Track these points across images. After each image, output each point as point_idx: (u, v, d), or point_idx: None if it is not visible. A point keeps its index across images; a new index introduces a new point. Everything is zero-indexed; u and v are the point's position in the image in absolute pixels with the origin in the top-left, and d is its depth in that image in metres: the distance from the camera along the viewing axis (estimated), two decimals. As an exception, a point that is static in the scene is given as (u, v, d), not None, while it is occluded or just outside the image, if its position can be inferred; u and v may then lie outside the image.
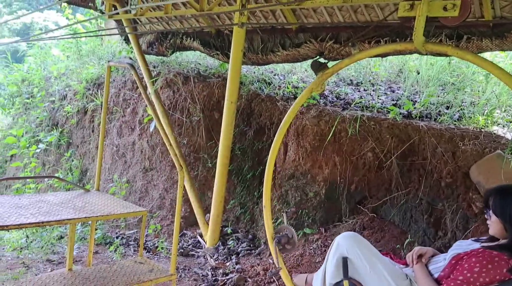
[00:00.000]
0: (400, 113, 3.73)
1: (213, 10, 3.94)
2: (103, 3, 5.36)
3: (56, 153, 5.98)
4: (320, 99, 4.39)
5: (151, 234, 4.57)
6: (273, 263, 3.68)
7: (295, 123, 4.08)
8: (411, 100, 4.12)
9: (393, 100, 4.22)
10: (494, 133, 3.20)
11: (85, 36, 6.65)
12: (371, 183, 3.67)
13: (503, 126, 3.36)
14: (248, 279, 3.51)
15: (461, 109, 3.77)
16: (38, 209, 2.75)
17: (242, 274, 3.57)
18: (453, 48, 2.13)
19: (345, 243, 2.24)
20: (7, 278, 3.35)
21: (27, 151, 6.19)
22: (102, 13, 5.39)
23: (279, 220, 3.98)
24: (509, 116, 3.49)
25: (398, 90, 4.52)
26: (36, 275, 3.42)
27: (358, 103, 4.15)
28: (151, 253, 4.22)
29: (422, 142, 3.38)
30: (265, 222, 2.85)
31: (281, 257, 2.75)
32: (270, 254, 3.93)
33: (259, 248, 4.05)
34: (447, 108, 3.87)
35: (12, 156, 6.53)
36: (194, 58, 5.84)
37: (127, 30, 5.19)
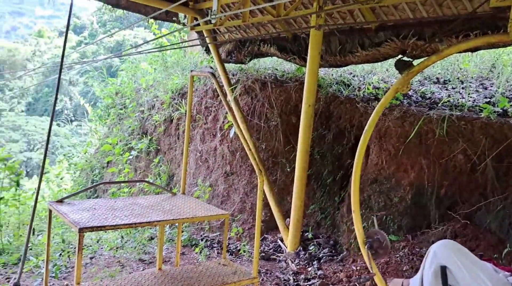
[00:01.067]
0: (495, 112, 3.42)
1: (290, 15, 3.96)
2: (185, 17, 5.65)
3: (146, 159, 6.41)
4: (404, 99, 4.19)
5: (233, 237, 4.69)
6: (357, 270, 3.57)
7: (377, 125, 3.93)
8: (507, 97, 3.76)
9: (485, 97, 3.89)
10: None
11: (170, 49, 7.06)
12: (463, 188, 3.41)
13: None
14: (331, 285, 3.45)
15: None
16: (131, 211, 2.96)
17: (324, 280, 3.51)
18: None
19: (442, 251, 2.11)
20: (105, 275, 3.65)
21: (121, 158, 6.72)
22: (185, 25, 5.70)
23: (362, 225, 3.85)
24: None
25: (491, 87, 4.15)
26: (130, 273, 3.68)
27: (445, 102, 3.89)
28: (234, 255, 4.33)
29: (522, 142, 3.06)
30: (355, 227, 2.78)
31: (373, 262, 2.66)
32: (353, 261, 3.82)
33: (341, 255, 3.95)
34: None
35: (108, 162, 7.13)
36: (271, 64, 5.91)
37: (207, 40, 5.41)
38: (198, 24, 5.32)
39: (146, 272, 3.03)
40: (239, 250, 4.40)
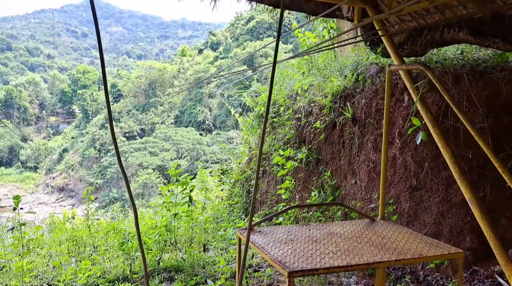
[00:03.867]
0: None
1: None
2: (348, 10, 5.00)
3: (305, 170, 5.92)
4: None
5: (429, 267, 3.83)
6: None
7: None
8: None
9: None
10: None
11: (326, 49, 6.49)
12: None
13: None
14: None
15: None
16: (336, 245, 2.37)
17: None
18: None
19: None
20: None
21: (277, 168, 6.35)
22: (350, 20, 5.04)
23: None
24: None
25: None
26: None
27: None
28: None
29: None
30: None
31: None
32: None
33: None
34: None
35: (263, 172, 6.85)
36: (451, 53, 4.88)
37: (380, 33, 4.67)
38: (367, 16, 4.63)
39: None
40: (443, 285, 3.52)
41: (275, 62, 1.61)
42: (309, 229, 2.67)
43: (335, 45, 6.26)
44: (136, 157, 40.59)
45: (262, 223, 2.93)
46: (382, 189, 3.03)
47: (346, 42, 6.08)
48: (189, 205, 4.49)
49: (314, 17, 5.29)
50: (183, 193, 4.52)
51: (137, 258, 4.33)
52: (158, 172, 38.20)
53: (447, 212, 3.99)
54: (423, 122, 4.09)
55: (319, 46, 6.79)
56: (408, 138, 4.40)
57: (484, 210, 3.59)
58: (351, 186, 5.09)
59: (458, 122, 3.99)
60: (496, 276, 3.51)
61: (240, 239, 2.63)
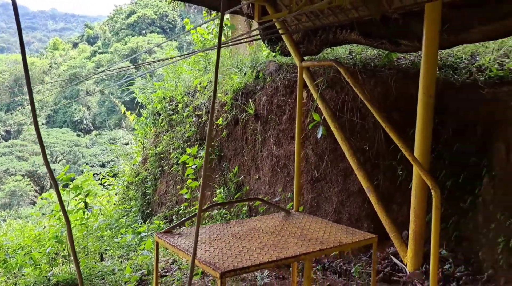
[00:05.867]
0: None
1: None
2: (248, 7, 5.03)
3: (208, 168, 5.80)
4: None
5: (331, 255, 4.04)
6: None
7: (521, 114, 3.23)
8: None
9: None
10: None
11: (223, 47, 6.45)
12: None
13: None
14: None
15: None
16: (261, 241, 2.33)
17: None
18: None
19: None
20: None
21: (177, 168, 6.13)
22: (250, 17, 5.08)
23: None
24: None
25: None
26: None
27: None
28: (343, 277, 3.68)
29: None
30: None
31: None
32: (506, 282, 3.13)
33: (486, 274, 3.26)
34: None
35: (162, 173, 6.56)
36: (342, 53, 5.23)
37: (280, 31, 4.77)
38: (267, 14, 4.70)
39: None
40: (347, 270, 3.74)
41: (218, 57, 1.49)
42: (230, 227, 2.58)
43: (235, 42, 6.25)
44: (1, 162, 35.81)
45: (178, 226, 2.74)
46: (296, 181, 3.09)
47: (245, 39, 6.12)
48: (84, 212, 4.04)
49: (215, 12, 5.19)
50: (76, 199, 4.05)
51: (22, 275, 3.75)
52: (29, 179, 34.20)
53: (346, 200, 4.26)
54: (323, 117, 4.30)
55: (223, 43, 6.72)
56: (309, 132, 4.58)
57: (379, 197, 3.92)
58: (255, 182, 5.14)
59: (354, 116, 4.27)
60: (391, 256, 3.85)
61: (157, 244, 2.43)
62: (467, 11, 3.65)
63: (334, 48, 5.30)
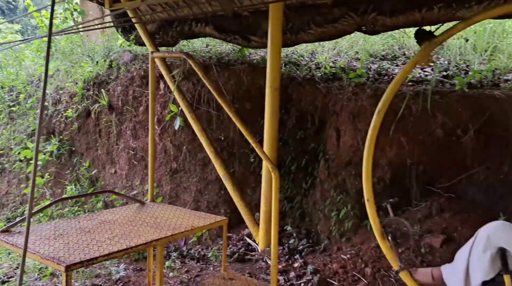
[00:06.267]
0: (466, 83, 3.50)
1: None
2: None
3: (56, 164, 5.35)
4: (363, 77, 4.10)
5: (193, 241, 4.15)
6: (349, 259, 3.39)
7: (348, 106, 3.77)
8: (462, 70, 3.92)
9: (441, 71, 4.00)
10: None
11: (69, 33, 5.97)
12: (443, 162, 3.44)
13: None
14: (329, 280, 3.20)
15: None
16: (111, 232, 2.29)
17: (320, 275, 3.26)
18: None
19: (498, 234, 1.97)
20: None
21: (20, 164, 5.52)
22: (101, 3, 4.82)
23: (342, 212, 3.68)
24: None
25: (440, 60, 4.30)
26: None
27: (406, 78, 3.89)
28: (200, 262, 3.82)
29: (502, 112, 3.17)
30: (370, 217, 2.53)
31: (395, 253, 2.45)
32: (338, 249, 3.64)
33: (323, 244, 3.74)
34: (506, 74, 3.69)
35: (1, 171, 5.82)
36: (199, 46, 5.35)
37: (133, 21, 4.65)
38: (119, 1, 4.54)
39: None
40: (204, 255, 3.90)
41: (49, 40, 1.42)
42: (79, 221, 2.47)
43: (86, 28, 5.85)
44: None
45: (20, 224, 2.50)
46: (151, 172, 3.08)
47: (97, 26, 5.79)
48: None
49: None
50: None
51: None
52: None
53: (204, 189, 4.40)
54: (180, 108, 4.35)
55: (69, 29, 6.22)
56: (167, 124, 4.59)
57: (235, 184, 4.15)
58: (111, 176, 4.94)
59: (210, 108, 4.43)
60: (246, 238, 4.13)
61: (-8, 245, 2.20)
62: (306, 14, 4.07)
63: (192, 40, 5.38)
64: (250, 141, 2.75)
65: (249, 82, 4.32)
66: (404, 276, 2.40)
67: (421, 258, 3.09)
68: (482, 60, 4.03)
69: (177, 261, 3.79)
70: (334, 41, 5.04)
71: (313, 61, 4.63)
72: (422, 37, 2.39)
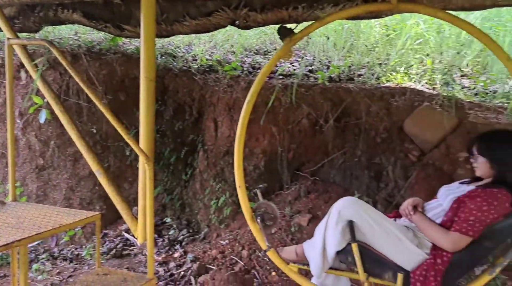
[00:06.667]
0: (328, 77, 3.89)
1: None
2: None
3: None
4: (239, 70, 4.27)
5: (65, 242, 3.90)
6: (228, 244, 3.54)
7: (224, 98, 3.90)
8: (324, 65, 4.33)
9: (306, 66, 4.37)
10: (417, 89, 3.61)
11: None
12: (308, 149, 3.79)
13: (417, 82, 3.82)
14: (209, 266, 3.31)
15: (370, 69, 4.13)
16: (-38, 237, 2.06)
17: (199, 262, 3.34)
18: (425, 7, 2.29)
19: (347, 208, 2.24)
20: None
21: None
22: None
23: (221, 199, 3.81)
24: (418, 74, 3.98)
25: (306, 56, 4.69)
26: None
27: (276, 72, 4.17)
28: (74, 262, 3.62)
29: (355, 103, 3.60)
30: (241, 203, 2.67)
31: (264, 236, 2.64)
32: (217, 236, 3.77)
33: (203, 232, 3.83)
34: (359, 69, 4.19)
35: None
36: (66, 33, 4.98)
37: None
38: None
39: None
40: (78, 255, 3.70)
41: None
42: None
43: None
44: None
45: None
46: (11, 170, 2.80)
47: None
48: None
49: None
50: None
51: None
52: None
53: (76, 186, 4.15)
54: (45, 100, 4.01)
55: None
56: (30, 117, 4.20)
57: (110, 178, 3.98)
58: (-38, 177, 4.35)
59: (80, 99, 4.17)
60: (124, 233, 4.01)
61: None
62: (180, 5, 4.06)
63: (59, 27, 4.97)
64: (122, 133, 2.69)
65: (123, 73, 4.17)
66: (271, 255, 2.60)
67: (291, 237, 3.38)
68: (341, 56, 4.50)
69: (47, 263, 3.53)
70: (210, 34, 5.14)
71: (189, 53, 4.66)
72: (283, 33, 2.60)
